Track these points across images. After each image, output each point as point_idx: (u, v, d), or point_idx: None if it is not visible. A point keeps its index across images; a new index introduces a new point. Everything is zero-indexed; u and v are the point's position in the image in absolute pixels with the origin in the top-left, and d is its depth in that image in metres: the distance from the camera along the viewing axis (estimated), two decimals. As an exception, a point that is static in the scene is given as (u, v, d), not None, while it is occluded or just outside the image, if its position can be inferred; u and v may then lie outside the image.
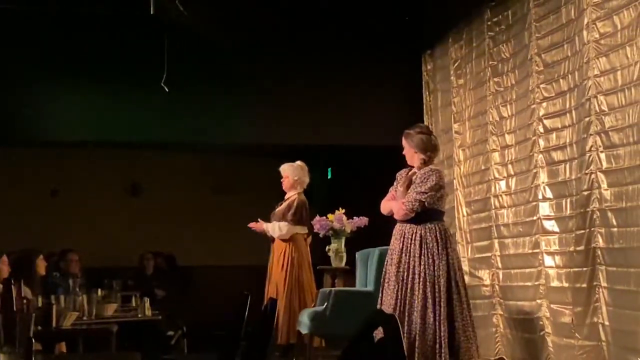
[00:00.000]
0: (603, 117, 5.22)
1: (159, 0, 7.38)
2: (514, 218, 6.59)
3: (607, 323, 5.13)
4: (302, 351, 6.91)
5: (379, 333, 1.90)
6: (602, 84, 5.24)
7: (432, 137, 5.54)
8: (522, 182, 6.45)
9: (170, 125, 8.68)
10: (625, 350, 4.91)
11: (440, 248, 5.27)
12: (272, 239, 7.35)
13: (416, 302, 5.20)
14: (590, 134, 5.36)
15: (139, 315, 6.56)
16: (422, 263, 5.24)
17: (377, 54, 8.87)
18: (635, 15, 4.90)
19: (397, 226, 5.44)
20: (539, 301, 6.06)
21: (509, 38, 6.78)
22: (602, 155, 5.23)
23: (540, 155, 6.12)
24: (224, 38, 8.39)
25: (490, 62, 7.07)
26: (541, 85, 6.15)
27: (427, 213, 5.32)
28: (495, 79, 6.98)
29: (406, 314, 5.19)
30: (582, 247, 5.45)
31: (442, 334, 5.12)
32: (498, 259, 6.81)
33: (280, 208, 7.39)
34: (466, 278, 6.02)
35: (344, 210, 7.46)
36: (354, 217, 7.43)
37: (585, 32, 5.45)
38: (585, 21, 5.44)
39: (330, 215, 7.45)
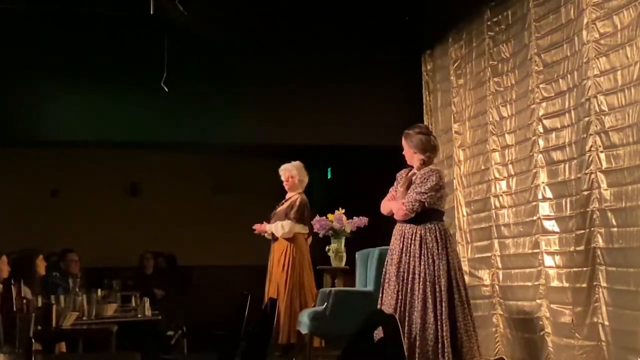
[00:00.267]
0: (603, 117, 5.22)
1: (159, 0, 7.37)
2: (514, 218, 6.59)
3: (607, 323, 5.13)
4: (302, 351, 6.91)
5: (379, 333, 1.90)
6: (602, 84, 5.24)
7: (432, 138, 5.54)
8: (522, 182, 6.45)
9: (170, 125, 8.68)
10: (625, 350, 4.91)
11: (440, 248, 5.27)
12: (274, 239, 7.35)
13: (416, 302, 5.20)
14: (590, 134, 5.36)
15: (139, 315, 6.55)
16: (422, 263, 5.24)
17: (377, 54, 8.87)
18: (635, 15, 4.90)
19: (397, 226, 5.44)
20: (539, 301, 6.06)
21: (509, 38, 6.78)
22: (602, 155, 5.23)
23: (540, 155, 6.12)
24: (224, 38, 8.39)
25: (490, 62, 7.07)
26: (541, 85, 6.15)
27: (427, 213, 5.32)
28: (495, 79, 6.98)
29: (406, 314, 5.19)
30: (582, 247, 5.45)
31: (444, 334, 5.12)
32: (498, 259, 6.81)
33: (282, 207, 7.40)
34: (466, 278, 6.02)
35: (343, 210, 7.46)
36: (354, 217, 7.43)
37: (585, 32, 5.45)
38: (585, 21, 5.44)
39: (330, 215, 7.45)
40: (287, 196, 7.52)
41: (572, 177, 5.67)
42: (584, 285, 5.39)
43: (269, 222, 7.44)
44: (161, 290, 9.41)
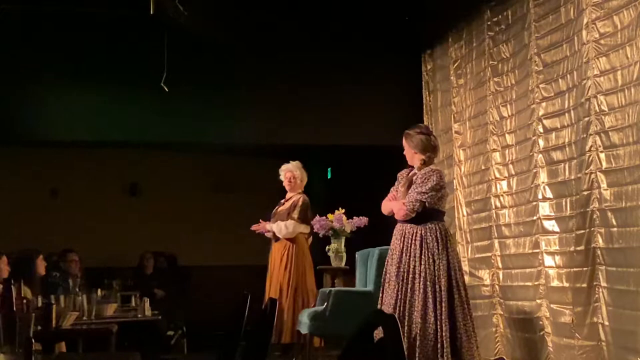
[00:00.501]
0: (603, 117, 5.22)
1: (159, 0, 7.37)
2: (514, 218, 6.59)
3: (607, 323, 5.13)
4: (302, 351, 6.91)
5: (379, 333, 1.90)
6: (602, 83, 5.24)
7: (432, 138, 5.54)
8: (522, 182, 6.45)
9: (170, 125, 8.68)
10: (625, 350, 4.91)
11: (440, 248, 5.27)
12: (276, 239, 7.36)
13: (416, 302, 5.20)
14: (590, 134, 5.36)
15: (139, 315, 6.56)
16: (423, 263, 5.24)
17: (377, 54, 8.87)
18: (635, 15, 4.90)
19: (398, 226, 5.44)
20: (539, 301, 6.06)
21: (509, 38, 6.78)
22: (602, 155, 5.23)
23: (540, 155, 6.12)
24: (224, 38, 8.39)
25: (490, 62, 7.07)
26: (541, 85, 6.15)
27: (428, 213, 5.32)
28: (495, 79, 6.98)
29: (406, 313, 5.19)
30: (582, 247, 5.45)
31: (443, 333, 5.13)
32: (498, 258, 6.81)
33: (283, 207, 7.40)
34: (466, 278, 6.02)
35: (343, 210, 7.46)
36: (354, 217, 7.43)
37: (584, 32, 5.45)
38: (585, 21, 5.44)
39: (330, 215, 7.45)
40: (288, 196, 7.52)
41: (572, 177, 5.67)
42: (584, 285, 5.39)
43: (268, 222, 7.45)
44: (161, 290, 9.41)
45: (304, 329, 6.70)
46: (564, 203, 5.79)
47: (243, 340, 3.01)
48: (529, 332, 6.21)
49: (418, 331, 5.14)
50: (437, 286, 5.21)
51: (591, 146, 5.35)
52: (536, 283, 6.10)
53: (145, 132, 8.79)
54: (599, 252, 5.24)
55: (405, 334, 5.12)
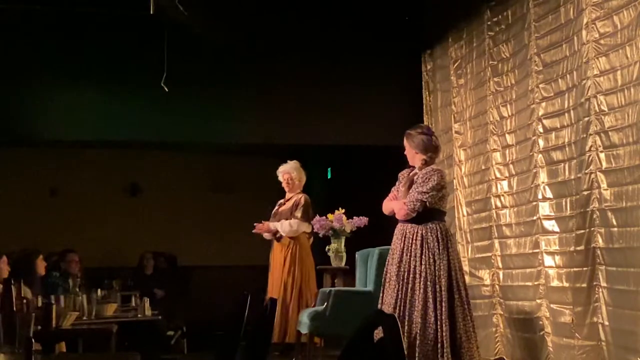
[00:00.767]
0: (603, 117, 5.22)
1: (159, 0, 7.37)
2: (514, 218, 6.59)
3: (606, 323, 5.13)
4: (302, 351, 6.91)
5: (379, 333, 1.90)
6: (602, 83, 5.24)
7: (433, 138, 5.54)
8: (522, 182, 6.45)
9: (170, 125, 8.68)
10: (625, 350, 4.91)
11: (441, 248, 5.27)
12: (277, 238, 7.36)
13: (417, 301, 5.20)
14: (590, 134, 5.36)
15: (139, 315, 6.56)
16: (423, 263, 5.24)
17: (377, 54, 8.87)
18: (634, 15, 4.90)
19: (399, 226, 5.44)
20: (538, 301, 6.06)
21: (509, 38, 6.78)
22: (602, 155, 5.23)
23: (540, 155, 6.12)
24: (224, 38, 8.39)
25: (490, 62, 7.07)
26: (540, 85, 6.15)
27: (429, 213, 5.32)
28: (495, 79, 6.98)
29: (406, 313, 5.19)
30: (582, 247, 5.45)
31: (443, 334, 5.13)
32: (498, 258, 6.81)
33: (285, 207, 7.41)
34: (466, 278, 6.02)
35: (343, 210, 7.46)
36: (354, 217, 7.43)
37: (584, 32, 5.45)
38: (585, 21, 5.44)
39: (330, 215, 7.45)
40: (288, 196, 7.52)
41: (572, 177, 5.67)
42: (584, 285, 5.39)
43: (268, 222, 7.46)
44: (161, 290, 9.41)
45: (304, 329, 6.70)
46: (564, 203, 5.79)
47: (243, 340, 3.01)
48: (529, 332, 6.21)
49: (418, 331, 5.14)
50: (437, 286, 5.21)
51: (591, 146, 5.34)
52: (536, 283, 6.10)
53: (145, 132, 8.79)
54: (599, 252, 5.24)
55: (405, 334, 5.12)
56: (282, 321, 7.05)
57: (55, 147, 9.97)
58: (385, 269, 5.44)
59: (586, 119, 5.41)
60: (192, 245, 10.50)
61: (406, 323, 5.17)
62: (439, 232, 5.31)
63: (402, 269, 5.28)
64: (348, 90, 8.83)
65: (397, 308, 5.21)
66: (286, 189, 7.52)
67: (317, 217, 7.43)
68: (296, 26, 8.69)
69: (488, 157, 7.07)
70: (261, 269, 7.59)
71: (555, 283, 5.87)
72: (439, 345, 5.13)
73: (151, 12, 7.35)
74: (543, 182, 6.09)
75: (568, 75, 5.76)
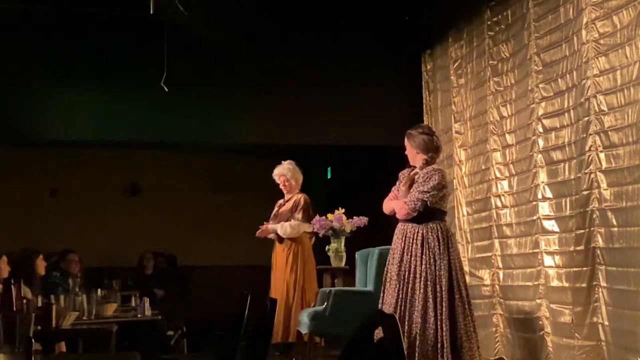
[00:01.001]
0: (602, 116, 5.22)
1: (159, 0, 7.38)
2: (514, 218, 6.59)
3: (606, 323, 5.13)
4: (302, 351, 6.91)
5: (379, 333, 1.90)
6: (602, 83, 5.24)
7: (434, 138, 5.54)
8: (522, 182, 6.45)
9: (170, 125, 8.68)
10: (625, 350, 4.91)
11: (441, 248, 5.27)
12: (279, 239, 7.36)
13: (417, 301, 5.20)
14: (590, 134, 5.36)
15: (139, 315, 6.56)
16: (424, 263, 5.24)
17: (377, 54, 8.87)
18: (634, 15, 4.90)
19: (399, 226, 5.44)
20: (538, 301, 6.06)
21: (509, 38, 6.78)
22: (602, 155, 5.23)
23: (540, 155, 6.12)
24: (224, 38, 8.39)
25: (490, 62, 7.07)
26: (540, 85, 6.15)
27: (429, 212, 5.32)
28: (495, 79, 6.98)
29: (407, 313, 5.19)
30: (581, 247, 5.45)
31: (444, 333, 5.13)
32: (498, 258, 6.81)
33: (285, 208, 7.41)
34: (466, 278, 6.02)
35: (343, 210, 7.46)
36: (354, 217, 7.43)
37: (584, 32, 5.45)
38: (584, 21, 5.44)
39: (330, 215, 7.45)
40: (287, 197, 7.52)
41: (572, 177, 5.67)
42: (584, 285, 5.39)
43: (268, 223, 7.45)
44: (161, 290, 9.41)
45: (304, 329, 6.70)
46: (563, 203, 5.79)
47: (243, 340, 3.01)
48: (529, 332, 6.21)
49: (418, 331, 5.14)
50: (437, 286, 5.21)
51: (591, 146, 5.35)
52: (536, 283, 6.10)
53: (145, 132, 8.79)
54: (598, 252, 5.24)
55: (405, 334, 5.12)
56: (284, 321, 7.05)
57: (55, 147, 9.98)
58: (385, 269, 5.44)
59: (586, 118, 5.41)
60: (192, 245, 10.50)
61: (406, 323, 5.17)
62: (439, 232, 5.31)
63: (403, 269, 5.28)
64: (348, 90, 8.83)
65: (398, 308, 5.21)
66: (284, 191, 7.53)
67: (317, 217, 7.43)
68: (296, 26, 8.69)
69: (488, 157, 7.07)
70: (261, 269, 7.59)
71: (555, 283, 5.87)
72: (439, 345, 5.13)
73: (151, 12, 7.35)
74: (543, 182, 6.09)
75: (568, 75, 5.76)
